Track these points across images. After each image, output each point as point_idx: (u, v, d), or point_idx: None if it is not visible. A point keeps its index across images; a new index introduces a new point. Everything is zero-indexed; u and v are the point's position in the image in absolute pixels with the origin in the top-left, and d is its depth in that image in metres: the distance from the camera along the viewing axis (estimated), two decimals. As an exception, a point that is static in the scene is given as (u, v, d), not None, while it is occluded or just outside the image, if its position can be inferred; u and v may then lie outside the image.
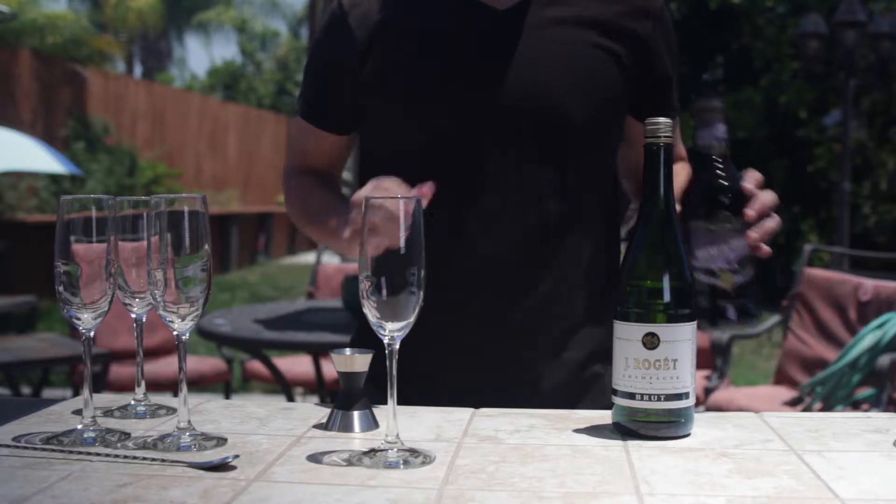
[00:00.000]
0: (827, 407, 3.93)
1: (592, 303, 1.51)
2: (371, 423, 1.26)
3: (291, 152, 1.66)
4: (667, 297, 1.20)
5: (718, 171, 1.33)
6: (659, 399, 1.19)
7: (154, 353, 4.61)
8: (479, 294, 1.47)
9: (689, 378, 1.20)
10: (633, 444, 1.18)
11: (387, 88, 1.49)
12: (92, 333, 1.21)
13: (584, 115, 1.46)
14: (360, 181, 1.60)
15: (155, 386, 4.32)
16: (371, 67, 1.49)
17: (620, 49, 1.48)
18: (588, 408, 1.39)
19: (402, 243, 1.07)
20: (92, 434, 1.18)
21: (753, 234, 1.30)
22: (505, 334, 1.48)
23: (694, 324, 1.21)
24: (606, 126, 1.51)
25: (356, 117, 1.55)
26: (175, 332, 1.16)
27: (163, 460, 1.09)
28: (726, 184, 1.32)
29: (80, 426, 1.19)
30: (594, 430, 1.25)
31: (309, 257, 13.14)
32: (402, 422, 1.20)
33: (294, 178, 1.63)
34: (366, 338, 1.29)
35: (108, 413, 1.33)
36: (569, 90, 1.46)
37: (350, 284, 4.22)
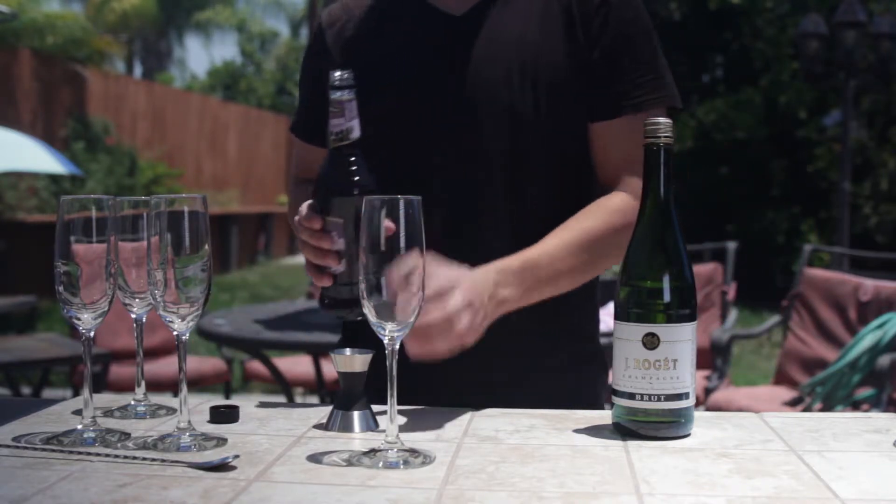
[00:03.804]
0: (827, 407, 3.93)
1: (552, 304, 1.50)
2: (371, 423, 1.26)
3: (294, 162, 1.74)
4: (667, 297, 1.20)
5: (328, 166, 1.36)
6: (659, 399, 1.19)
7: (154, 353, 4.61)
8: None
9: (689, 378, 1.20)
10: (633, 444, 1.18)
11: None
12: (92, 333, 1.21)
13: (534, 112, 1.47)
14: None
15: (155, 386, 4.32)
16: None
17: (575, 40, 1.48)
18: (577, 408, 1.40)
19: (402, 243, 1.08)
20: (92, 434, 1.18)
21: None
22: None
23: (694, 324, 1.21)
24: (562, 120, 1.50)
25: None
26: (175, 332, 1.16)
27: (163, 460, 1.09)
28: (324, 176, 1.35)
29: (80, 426, 1.19)
30: (594, 430, 1.25)
31: (309, 257, 13.10)
32: (402, 422, 1.20)
33: (293, 186, 1.70)
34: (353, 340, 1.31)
35: (108, 413, 1.34)
36: (517, 88, 1.47)
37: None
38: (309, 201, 1.36)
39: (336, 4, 1.63)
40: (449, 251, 1.35)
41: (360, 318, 1.34)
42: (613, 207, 1.47)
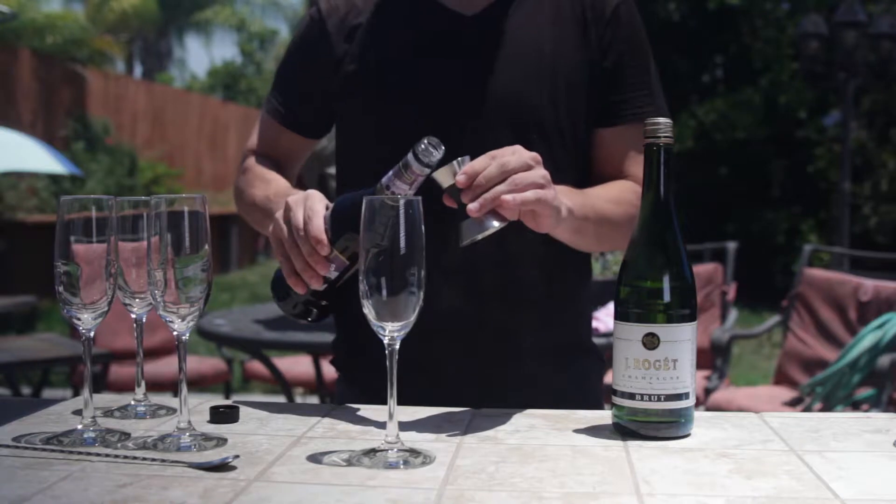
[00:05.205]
0: (827, 407, 3.93)
1: (558, 295, 1.54)
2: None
3: (257, 139, 1.66)
4: (667, 297, 1.20)
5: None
6: (659, 399, 1.19)
7: (154, 353, 4.61)
8: (448, 293, 1.46)
9: (689, 378, 1.20)
10: (633, 444, 1.18)
11: (360, 94, 1.52)
12: (92, 333, 1.21)
13: (554, 114, 1.48)
14: (339, 181, 1.61)
15: (155, 386, 4.32)
16: (345, 73, 1.53)
17: (588, 46, 1.49)
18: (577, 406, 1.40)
19: (402, 243, 1.08)
20: (92, 434, 1.18)
21: (473, 206, 1.23)
22: (477, 335, 1.49)
23: (694, 324, 1.21)
24: (575, 121, 1.51)
25: (326, 122, 1.62)
26: (175, 333, 1.16)
27: (163, 460, 1.09)
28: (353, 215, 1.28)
29: (80, 426, 1.19)
30: (594, 430, 1.25)
31: (309, 257, 13.08)
32: (402, 422, 1.20)
33: (255, 161, 1.63)
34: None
35: (108, 413, 1.34)
36: (537, 90, 1.47)
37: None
38: (325, 220, 1.30)
39: None
40: (472, 252, 1.34)
41: (310, 320, 1.38)
42: (627, 184, 1.52)
